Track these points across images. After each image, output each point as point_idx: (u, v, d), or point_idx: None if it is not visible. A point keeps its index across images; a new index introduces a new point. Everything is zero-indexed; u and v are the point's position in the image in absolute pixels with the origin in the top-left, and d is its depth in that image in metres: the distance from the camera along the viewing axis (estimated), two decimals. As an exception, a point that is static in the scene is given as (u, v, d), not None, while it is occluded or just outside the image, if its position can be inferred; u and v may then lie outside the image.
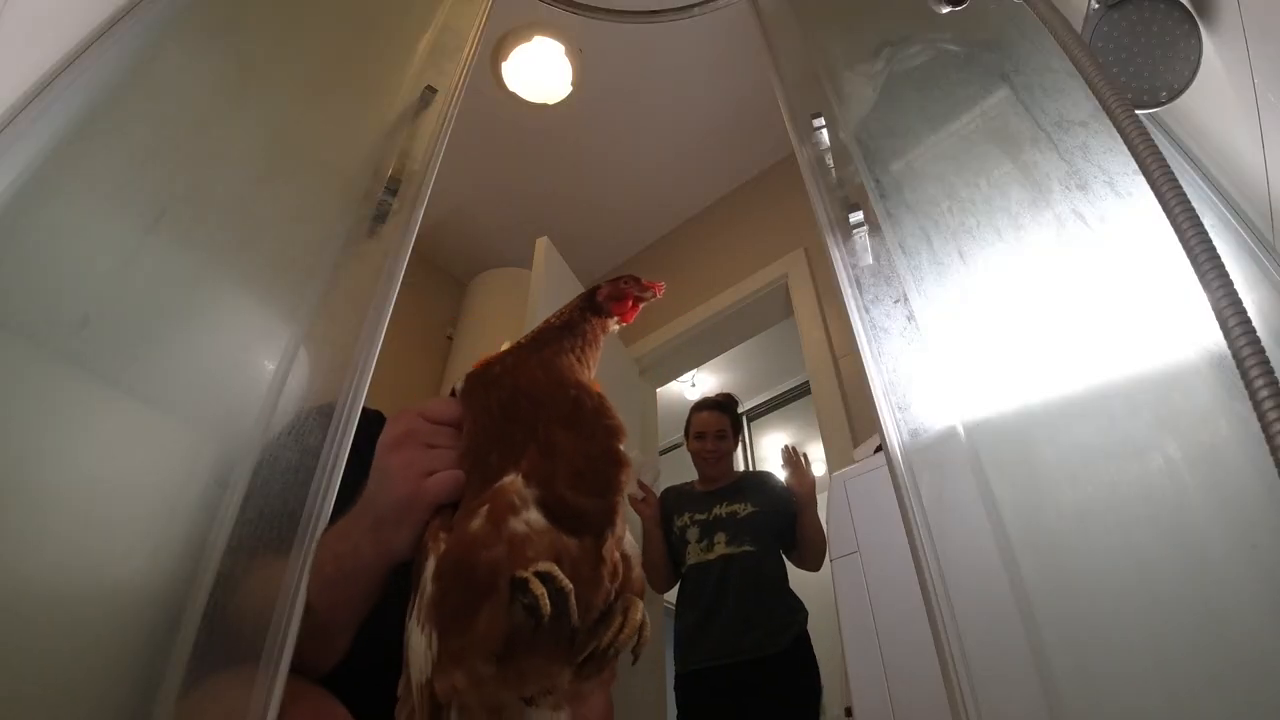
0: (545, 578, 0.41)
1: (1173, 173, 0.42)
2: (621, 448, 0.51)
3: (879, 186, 0.85)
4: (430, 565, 0.47)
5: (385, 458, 0.55)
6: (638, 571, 0.53)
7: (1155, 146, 0.43)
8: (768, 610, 1.83)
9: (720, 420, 2.19)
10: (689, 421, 2.24)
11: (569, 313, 0.63)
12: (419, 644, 0.44)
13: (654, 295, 0.68)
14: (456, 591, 0.43)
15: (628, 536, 0.52)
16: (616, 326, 0.68)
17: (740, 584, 1.86)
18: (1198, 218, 0.41)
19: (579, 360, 0.58)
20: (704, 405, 2.26)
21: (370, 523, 0.54)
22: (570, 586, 0.42)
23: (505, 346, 0.60)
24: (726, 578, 1.88)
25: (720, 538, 1.95)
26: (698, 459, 2.17)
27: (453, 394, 0.58)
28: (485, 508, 0.46)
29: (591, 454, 0.49)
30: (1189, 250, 0.40)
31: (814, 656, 1.81)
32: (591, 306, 0.64)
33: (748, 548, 1.92)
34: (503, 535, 0.44)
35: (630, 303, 0.67)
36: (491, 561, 0.43)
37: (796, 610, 1.87)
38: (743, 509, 1.99)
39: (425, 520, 0.51)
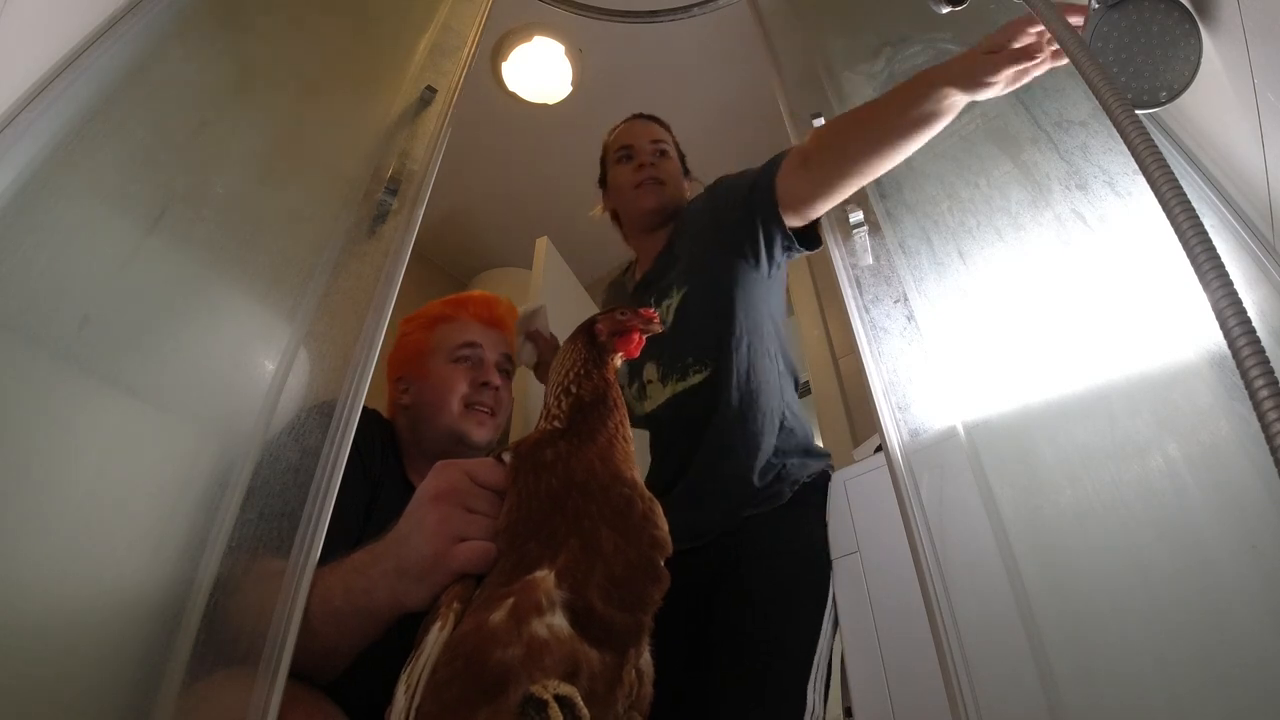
0: (565, 704, 0.39)
1: (1172, 173, 0.42)
2: (663, 564, 0.49)
3: (879, 186, 0.85)
4: (435, 632, 0.45)
5: (423, 509, 0.54)
6: (648, 689, 0.51)
7: (1155, 146, 0.43)
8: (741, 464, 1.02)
9: (653, 128, 1.35)
10: (605, 152, 1.38)
11: (582, 368, 0.60)
12: (400, 705, 0.43)
13: (657, 328, 0.66)
14: (461, 684, 0.41)
15: (645, 653, 0.51)
16: (620, 362, 0.66)
17: (699, 439, 1.04)
18: (1198, 218, 0.41)
19: (626, 440, 0.57)
20: (623, 121, 1.40)
21: (392, 568, 0.53)
22: (588, 718, 0.39)
23: (542, 427, 0.58)
24: (674, 435, 1.09)
25: (650, 372, 1.11)
26: (636, 197, 1.26)
27: (499, 459, 0.57)
28: (510, 601, 0.44)
29: (631, 562, 0.47)
30: (1189, 250, 0.40)
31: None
32: (596, 354, 0.62)
33: (694, 378, 1.05)
34: (522, 636, 0.42)
35: (636, 337, 0.65)
36: (504, 663, 0.41)
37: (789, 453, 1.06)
38: (673, 295, 1.11)
39: (445, 584, 0.50)
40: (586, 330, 0.65)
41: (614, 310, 0.66)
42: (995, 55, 0.69)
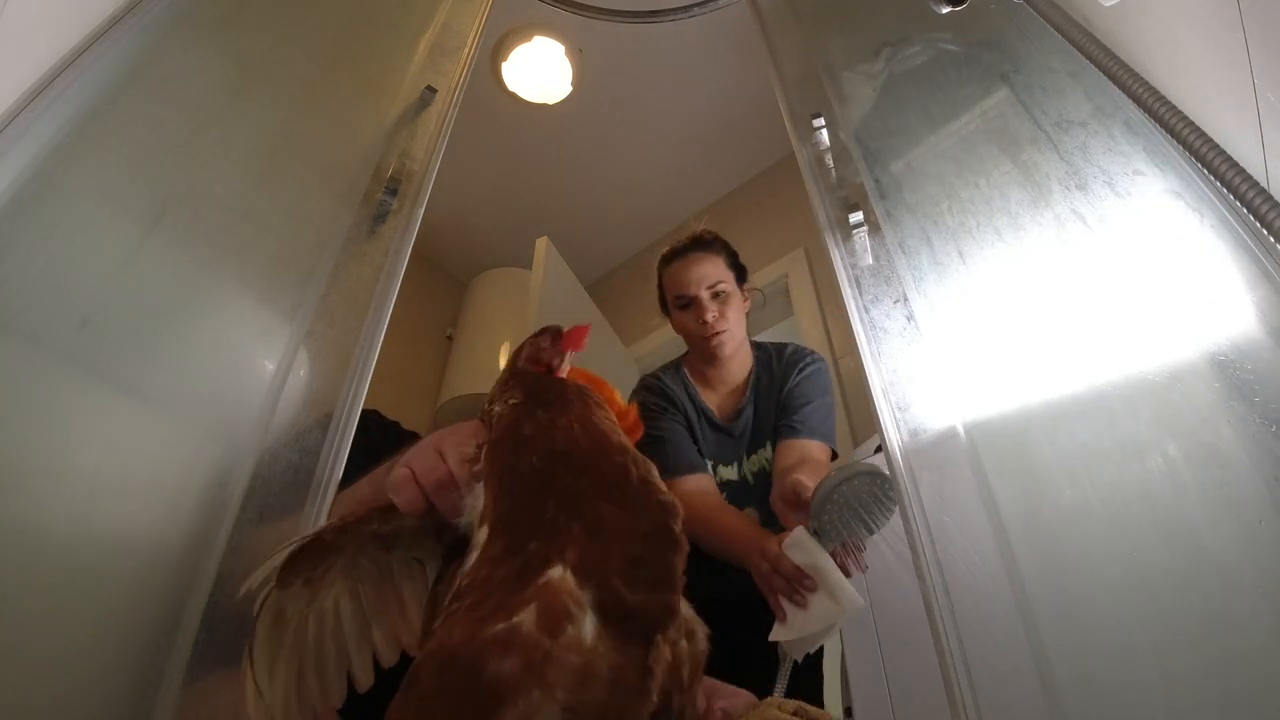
0: None
1: (1217, 144, 0.42)
2: (677, 529, 0.42)
3: (879, 186, 0.85)
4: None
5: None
6: (702, 647, 0.44)
7: (1192, 122, 0.43)
8: None
9: (712, 265, 1.28)
10: (661, 286, 1.36)
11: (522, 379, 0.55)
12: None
13: (560, 359, 0.60)
14: (450, 698, 0.35)
15: (686, 608, 0.44)
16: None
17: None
18: (1254, 179, 0.41)
19: (602, 407, 0.51)
20: (675, 254, 1.33)
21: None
22: None
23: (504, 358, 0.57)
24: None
25: (750, 514, 1.20)
26: (700, 347, 1.29)
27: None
28: (533, 607, 0.37)
29: (646, 535, 0.41)
30: (1256, 214, 0.40)
31: None
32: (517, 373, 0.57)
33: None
34: (540, 645, 0.35)
35: (554, 362, 0.59)
36: (499, 675, 0.34)
37: None
38: (767, 449, 1.26)
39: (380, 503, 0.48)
40: (512, 358, 0.61)
41: (538, 335, 0.60)
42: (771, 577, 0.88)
